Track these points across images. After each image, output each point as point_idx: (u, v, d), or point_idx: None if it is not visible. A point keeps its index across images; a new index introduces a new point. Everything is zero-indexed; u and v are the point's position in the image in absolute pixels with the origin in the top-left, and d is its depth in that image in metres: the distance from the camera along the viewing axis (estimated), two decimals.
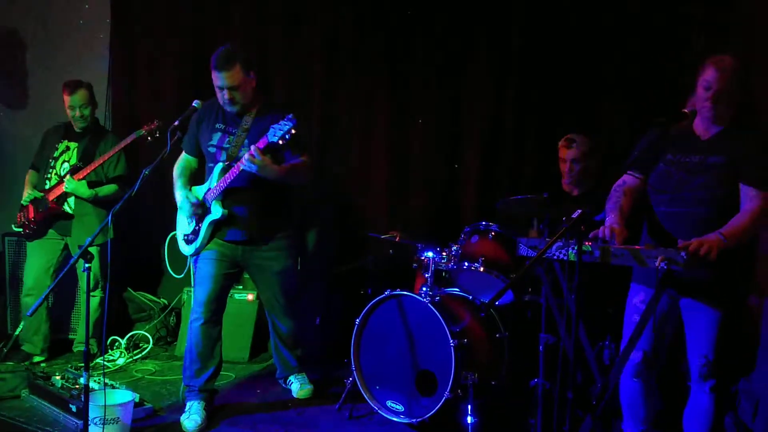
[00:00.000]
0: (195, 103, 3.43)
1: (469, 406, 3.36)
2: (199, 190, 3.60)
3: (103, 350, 2.76)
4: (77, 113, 4.38)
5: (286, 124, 3.18)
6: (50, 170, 4.44)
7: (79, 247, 4.29)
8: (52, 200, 4.33)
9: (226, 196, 3.49)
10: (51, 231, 4.42)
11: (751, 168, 2.54)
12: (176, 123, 3.20)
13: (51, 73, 4.46)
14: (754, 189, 2.52)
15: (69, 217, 4.38)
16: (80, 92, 4.38)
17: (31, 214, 4.36)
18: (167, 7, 5.24)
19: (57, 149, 4.47)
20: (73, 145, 4.45)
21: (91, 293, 4.44)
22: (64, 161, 4.43)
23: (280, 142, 3.20)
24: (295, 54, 5.07)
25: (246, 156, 3.28)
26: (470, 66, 4.74)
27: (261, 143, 3.28)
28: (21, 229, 4.43)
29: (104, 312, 4.43)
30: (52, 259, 4.44)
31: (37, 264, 4.44)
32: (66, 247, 4.46)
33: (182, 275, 3.64)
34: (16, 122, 4.53)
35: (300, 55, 5.06)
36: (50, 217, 4.37)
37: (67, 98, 4.37)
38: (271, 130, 3.22)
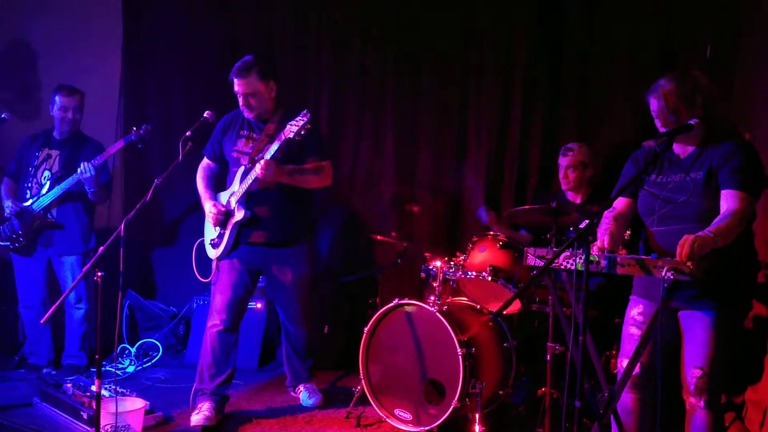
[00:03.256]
0: (206, 114, 3.51)
1: (477, 415, 3.37)
2: (224, 196, 3.70)
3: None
4: (70, 115, 4.33)
5: (300, 120, 3.34)
6: (31, 179, 4.36)
7: (78, 254, 4.34)
8: (40, 211, 4.26)
9: (249, 198, 3.58)
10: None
11: (728, 172, 2.53)
12: (188, 134, 3.25)
13: (63, 84, 4.51)
14: (732, 191, 2.51)
15: (54, 226, 4.32)
16: (77, 96, 4.36)
17: (19, 227, 4.27)
18: (178, 18, 5.29)
19: (37, 157, 4.38)
20: (54, 153, 4.38)
21: (76, 305, 4.41)
22: (45, 169, 4.35)
23: (297, 138, 3.35)
24: (303, 61, 5.12)
25: (257, 166, 3.41)
26: (477, 75, 4.77)
27: (267, 149, 3.44)
28: (9, 243, 4.32)
29: (92, 324, 4.40)
30: (40, 271, 4.41)
31: (26, 278, 4.42)
32: (49, 258, 4.41)
33: (209, 279, 3.71)
34: (24, 132, 4.59)
35: (308, 62, 5.11)
36: (41, 228, 4.29)
37: (63, 99, 4.31)
38: (288, 126, 3.37)
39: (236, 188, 3.60)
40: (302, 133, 3.34)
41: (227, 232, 3.62)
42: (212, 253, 3.73)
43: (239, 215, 3.57)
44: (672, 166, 2.70)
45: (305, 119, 3.33)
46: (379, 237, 4.36)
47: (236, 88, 3.58)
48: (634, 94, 4.39)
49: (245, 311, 3.78)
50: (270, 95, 3.63)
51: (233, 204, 3.60)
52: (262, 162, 3.40)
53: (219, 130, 3.78)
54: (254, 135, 3.66)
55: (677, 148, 2.71)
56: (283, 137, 3.38)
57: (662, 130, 2.65)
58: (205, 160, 3.87)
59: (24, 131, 4.63)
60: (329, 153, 3.78)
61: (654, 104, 2.66)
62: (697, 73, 2.66)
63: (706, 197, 2.57)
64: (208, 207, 3.68)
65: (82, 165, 4.15)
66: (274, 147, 3.43)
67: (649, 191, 2.72)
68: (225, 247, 3.64)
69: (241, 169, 3.61)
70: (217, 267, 3.70)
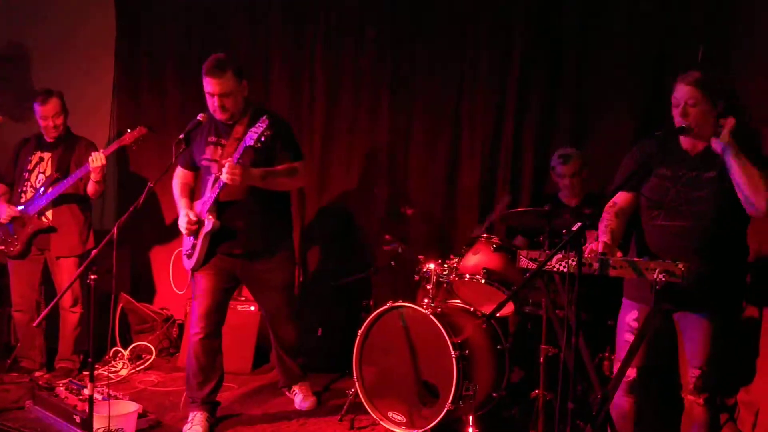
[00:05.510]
0: (200, 117, 3.48)
1: (471, 418, 3.38)
2: (198, 205, 3.62)
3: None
4: (50, 123, 4.27)
5: (260, 126, 3.25)
6: (25, 183, 4.32)
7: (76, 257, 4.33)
8: (34, 214, 4.23)
9: (222, 208, 3.51)
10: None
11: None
12: (181, 136, 3.23)
13: (56, 86, 4.50)
14: None
15: (49, 230, 4.29)
16: (52, 101, 4.27)
17: (14, 231, 4.25)
18: (172, 20, 5.29)
19: (30, 161, 4.34)
20: (46, 155, 4.34)
21: (71, 309, 4.39)
22: (39, 173, 4.32)
23: (258, 145, 3.26)
24: (298, 64, 5.11)
25: (223, 170, 3.32)
26: (471, 76, 4.78)
27: (235, 156, 3.34)
28: (4, 247, 4.29)
29: (86, 328, 4.37)
30: (35, 274, 4.39)
31: (21, 281, 4.40)
32: (45, 261, 4.38)
33: (183, 291, 3.66)
34: (20, 134, 4.59)
35: (302, 65, 5.11)
36: (36, 232, 4.27)
37: (39, 108, 4.25)
38: (249, 134, 3.28)
39: (207, 197, 3.52)
40: (262, 140, 3.25)
41: (199, 243, 3.53)
42: (186, 264, 3.65)
43: (209, 225, 3.48)
44: (681, 161, 2.69)
45: (264, 125, 3.23)
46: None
47: (209, 88, 3.44)
48: (629, 95, 4.43)
49: (225, 315, 3.74)
50: (244, 95, 3.53)
51: (204, 214, 3.52)
52: (226, 167, 3.30)
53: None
54: (222, 140, 3.55)
55: (686, 143, 2.71)
56: (244, 145, 3.29)
57: (678, 119, 2.63)
58: (179, 168, 3.78)
59: (18, 134, 4.61)
60: (301, 153, 3.70)
61: (680, 91, 2.62)
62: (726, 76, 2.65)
63: (721, 196, 2.58)
64: (180, 216, 3.60)
65: (92, 155, 4.11)
66: (238, 153, 3.34)
67: (658, 183, 2.71)
68: (198, 258, 3.55)
69: (213, 177, 3.51)
70: (192, 278, 3.64)
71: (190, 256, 3.62)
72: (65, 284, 4.29)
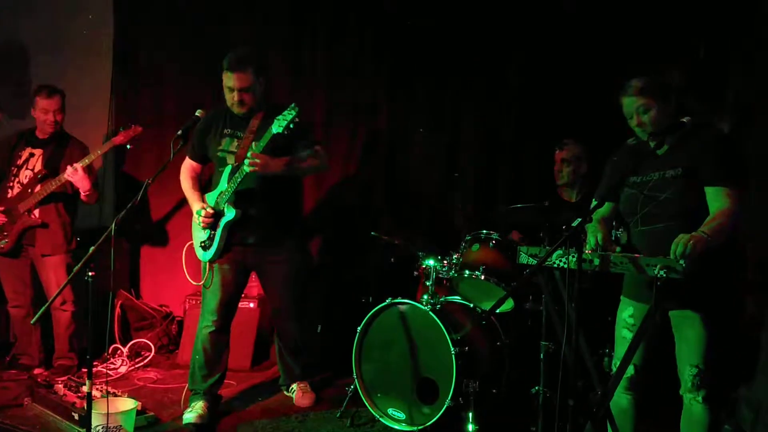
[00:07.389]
0: (197, 113, 3.47)
1: (470, 414, 3.37)
2: (211, 197, 3.65)
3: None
4: (51, 118, 4.25)
5: (289, 113, 3.27)
6: (13, 179, 4.28)
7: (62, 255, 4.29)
8: (24, 211, 4.20)
9: (238, 197, 3.53)
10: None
11: (714, 169, 2.52)
12: (179, 133, 3.21)
13: (54, 83, 4.48)
14: (722, 188, 2.50)
15: (38, 226, 4.25)
16: (57, 97, 4.27)
17: (4, 227, 4.22)
18: (169, 16, 5.27)
19: (20, 157, 4.30)
20: (37, 152, 4.31)
21: (61, 308, 4.34)
22: (27, 169, 4.28)
23: (285, 132, 3.28)
24: (297, 65, 5.09)
25: (246, 161, 3.35)
26: (470, 73, 4.77)
27: (257, 146, 3.38)
28: None
29: (80, 326, 4.35)
30: (25, 270, 4.36)
31: (12, 278, 4.37)
32: (30, 258, 4.35)
33: (201, 282, 3.69)
34: (16, 131, 4.58)
35: (302, 65, 5.09)
36: (25, 229, 4.23)
37: (43, 101, 4.22)
38: (275, 122, 3.30)
39: (224, 188, 3.55)
40: (291, 127, 3.27)
41: (217, 234, 3.57)
42: (203, 256, 3.67)
43: (229, 215, 3.52)
44: (649, 165, 2.69)
45: (294, 113, 3.26)
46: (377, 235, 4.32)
47: (229, 82, 3.49)
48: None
49: (236, 311, 3.78)
50: (261, 90, 3.57)
51: (222, 204, 3.55)
52: (250, 155, 3.34)
53: (200, 130, 3.70)
54: (238, 133, 3.60)
55: (654, 146, 2.70)
56: (272, 132, 3.32)
57: (634, 127, 2.66)
58: (188, 161, 3.82)
59: (14, 129, 4.59)
60: (317, 139, 3.72)
61: (627, 103, 2.65)
62: (667, 68, 2.66)
63: (687, 193, 2.56)
64: (197, 209, 3.62)
65: (67, 168, 4.09)
66: (263, 142, 3.38)
67: (630, 191, 2.73)
68: (216, 249, 3.59)
69: (228, 168, 3.55)
70: (210, 269, 3.66)
71: (206, 248, 3.63)
72: (52, 282, 4.27)
